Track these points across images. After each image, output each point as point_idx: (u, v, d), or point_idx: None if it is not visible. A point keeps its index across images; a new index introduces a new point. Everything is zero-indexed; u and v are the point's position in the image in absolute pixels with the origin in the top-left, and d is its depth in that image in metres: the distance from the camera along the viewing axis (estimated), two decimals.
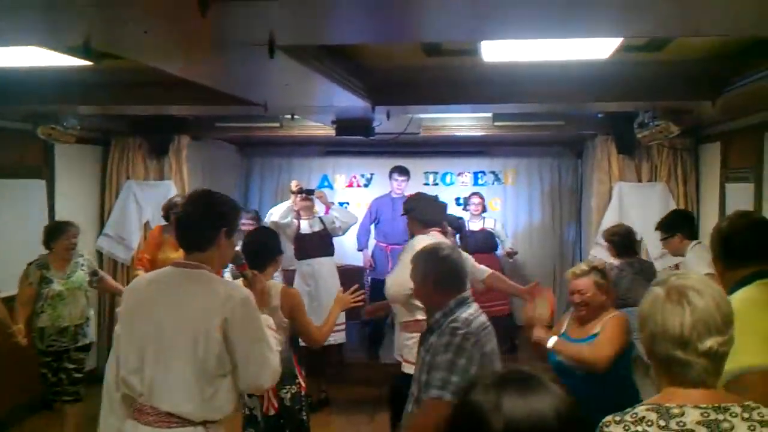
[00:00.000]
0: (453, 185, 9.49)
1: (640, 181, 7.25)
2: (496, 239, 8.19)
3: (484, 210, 8.25)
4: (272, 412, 4.00)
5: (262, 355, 2.79)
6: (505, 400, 1.34)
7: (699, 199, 7.10)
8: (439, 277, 3.06)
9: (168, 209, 6.19)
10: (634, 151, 7.14)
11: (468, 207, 8.30)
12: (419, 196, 5.19)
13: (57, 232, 5.50)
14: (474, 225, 8.11)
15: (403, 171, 8.26)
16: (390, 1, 2.52)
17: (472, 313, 3.00)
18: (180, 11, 2.48)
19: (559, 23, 2.86)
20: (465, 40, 4.01)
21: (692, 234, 5.35)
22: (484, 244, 7.92)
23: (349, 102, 4.94)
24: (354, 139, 6.74)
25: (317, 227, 7.09)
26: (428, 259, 3.14)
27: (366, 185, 9.58)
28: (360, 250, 8.41)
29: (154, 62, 3.56)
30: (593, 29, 3.09)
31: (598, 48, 3.81)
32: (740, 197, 5.89)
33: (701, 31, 3.50)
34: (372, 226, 8.35)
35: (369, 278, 8.34)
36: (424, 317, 3.25)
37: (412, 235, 4.76)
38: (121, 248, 7.50)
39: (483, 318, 3.05)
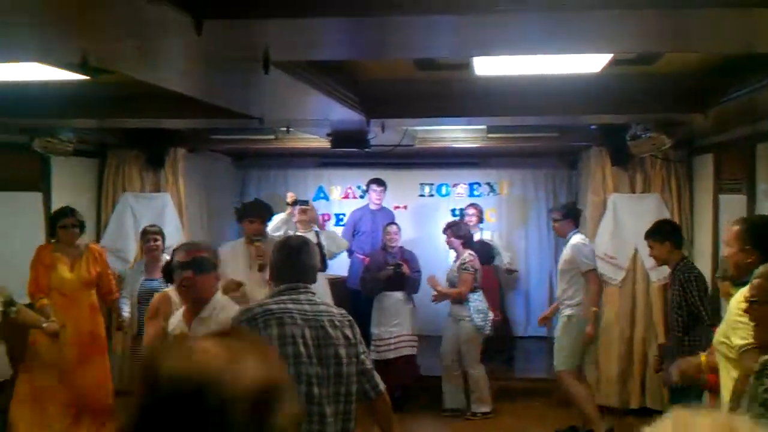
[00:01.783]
0: (448, 196, 9.52)
1: (634, 192, 7.27)
2: (493, 251, 8.20)
3: (480, 221, 8.27)
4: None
5: None
6: None
7: (693, 209, 7.14)
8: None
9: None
10: (628, 162, 7.17)
11: (464, 218, 8.32)
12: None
13: None
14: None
15: (381, 182, 8.36)
16: (380, 21, 2.56)
17: (283, 299, 3.10)
18: (175, 29, 2.52)
19: (548, 40, 2.90)
20: (454, 57, 4.05)
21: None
22: (482, 255, 7.95)
23: (344, 115, 4.98)
24: (350, 150, 6.79)
25: (313, 240, 7.08)
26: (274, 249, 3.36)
27: (362, 196, 9.58)
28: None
29: (150, 78, 3.60)
30: (583, 46, 3.13)
31: (590, 62, 3.86)
32: (733, 208, 5.92)
33: (692, 48, 3.55)
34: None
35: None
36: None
37: None
38: (117, 261, 7.50)
39: (292, 306, 3.08)
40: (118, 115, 5.81)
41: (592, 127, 6.96)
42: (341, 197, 9.73)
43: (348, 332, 3.13)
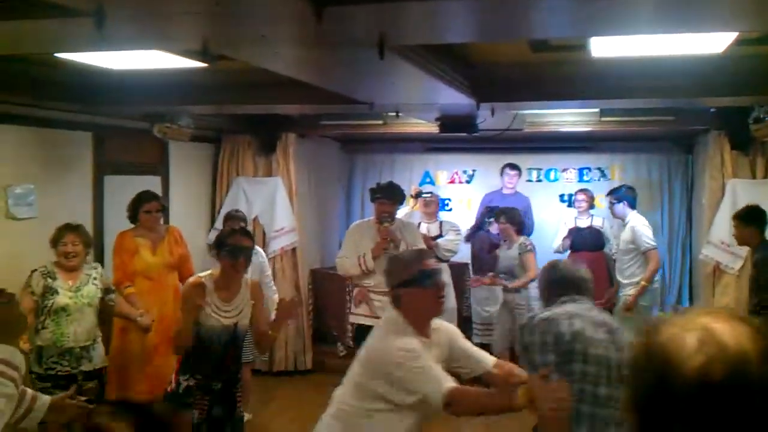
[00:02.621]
0: (557, 181, 9.35)
1: (755, 177, 6.97)
2: (603, 238, 8.01)
3: (591, 207, 8.08)
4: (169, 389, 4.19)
5: None
6: None
7: None
8: None
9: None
10: (749, 147, 6.88)
11: (574, 204, 8.17)
12: None
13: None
14: (581, 222, 7.97)
15: (515, 167, 8.41)
16: (497, 1, 2.54)
17: None
18: (296, 16, 2.57)
19: (673, 18, 2.80)
20: (572, 37, 3.96)
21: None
22: (592, 242, 7.79)
23: (454, 99, 4.96)
24: (456, 135, 6.76)
25: (434, 232, 7.19)
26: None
27: (468, 181, 9.54)
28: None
29: (268, 65, 3.69)
30: (709, 24, 3.01)
31: (712, 42, 3.70)
32: None
33: None
34: None
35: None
36: None
37: None
38: None
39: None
40: (233, 101, 5.96)
41: (711, 110, 6.70)
42: (447, 182, 9.69)
43: None
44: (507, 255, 6.94)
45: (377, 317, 5.49)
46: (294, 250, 7.90)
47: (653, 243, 6.82)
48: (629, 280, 6.80)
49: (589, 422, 2.98)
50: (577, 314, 3.14)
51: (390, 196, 5.78)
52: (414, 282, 3.11)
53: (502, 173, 8.46)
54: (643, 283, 6.69)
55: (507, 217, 7.00)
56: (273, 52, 3.30)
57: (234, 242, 4.13)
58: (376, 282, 5.62)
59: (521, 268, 6.75)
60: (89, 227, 5.54)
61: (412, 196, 7.09)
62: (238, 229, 4.52)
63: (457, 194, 9.48)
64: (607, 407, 2.98)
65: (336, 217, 9.52)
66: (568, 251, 7.74)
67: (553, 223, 8.42)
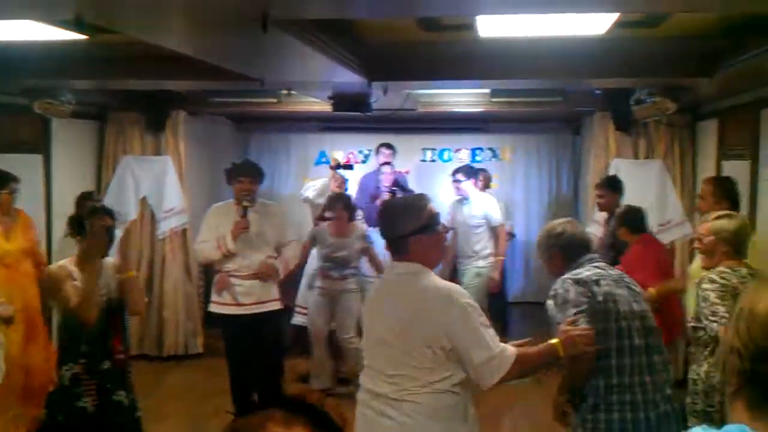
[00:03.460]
0: (450, 161, 9.47)
1: (636, 158, 7.24)
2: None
3: (487, 187, 8.22)
4: (50, 388, 3.90)
5: None
6: None
7: (696, 176, 7.11)
8: None
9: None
10: (632, 128, 7.14)
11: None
12: None
13: None
14: None
15: (390, 146, 8.24)
16: None
17: None
18: None
19: None
20: (459, 15, 3.98)
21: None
22: None
23: (346, 78, 4.93)
24: (352, 115, 6.72)
25: None
26: None
27: (364, 161, 9.55)
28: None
29: (148, 37, 3.55)
30: (588, 4, 3.08)
31: (595, 23, 3.80)
32: (737, 174, 5.87)
33: (697, 7, 3.49)
34: None
35: None
36: None
37: None
38: (117, 223, 7.47)
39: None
40: (118, 77, 5.76)
41: (597, 91, 6.91)
42: (343, 162, 9.65)
43: None
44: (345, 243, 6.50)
45: (241, 304, 5.36)
46: (185, 231, 7.72)
47: (501, 219, 7.30)
48: (480, 253, 7.17)
49: (630, 372, 3.17)
50: (602, 275, 3.30)
51: (248, 173, 5.47)
52: (429, 227, 2.97)
53: (377, 152, 8.33)
54: (500, 257, 7.18)
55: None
56: (150, 23, 3.18)
57: (96, 221, 3.99)
58: (237, 265, 5.38)
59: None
60: None
61: (330, 167, 6.91)
62: (99, 207, 4.35)
63: (354, 174, 9.45)
64: (641, 355, 3.20)
65: (229, 197, 9.33)
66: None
67: (446, 203, 8.52)
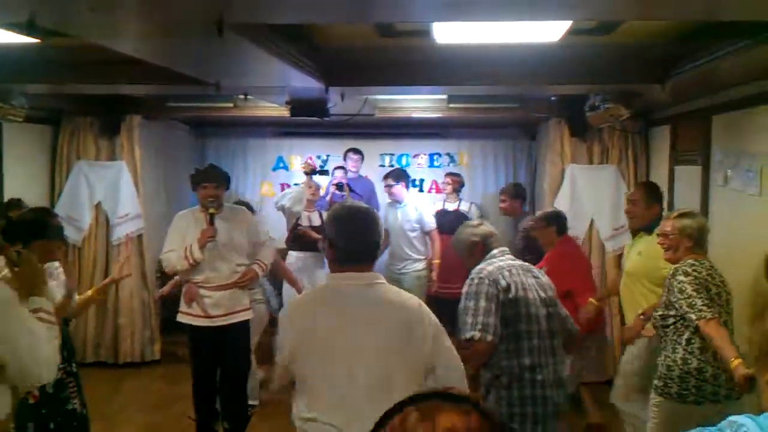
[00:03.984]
0: (408, 167, 9.49)
1: (591, 163, 7.34)
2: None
3: (457, 191, 8.35)
4: (31, 401, 3.65)
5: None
6: None
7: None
8: None
9: None
10: (586, 133, 7.24)
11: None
12: None
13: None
14: (449, 205, 8.27)
15: (358, 151, 8.54)
16: None
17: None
18: None
19: (506, 6, 2.88)
20: (413, 21, 4.01)
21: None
22: (457, 224, 7.97)
23: (303, 83, 4.91)
24: (310, 120, 6.72)
25: (317, 222, 7.03)
26: None
27: (322, 167, 9.52)
28: None
29: (102, 41, 3.51)
30: (540, 12, 3.11)
31: (548, 31, 3.84)
32: (688, 180, 6.01)
33: (650, 15, 3.56)
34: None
35: None
36: None
37: None
38: (72, 229, 7.38)
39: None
40: (71, 81, 5.67)
41: (552, 98, 6.99)
42: (301, 167, 9.63)
43: None
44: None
45: (210, 316, 5.23)
46: (140, 237, 7.63)
47: (435, 224, 7.60)
48: (418, 256, 7.53)
49: (538, 353, 3.60)
50: (512, 265, 3.73)
51: (212, 179, 5.34)
52: None
53: (345, 158, 8.54)
54: (436, 261, 7.48)
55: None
56: (105, 27, 3.14)
57: (58, 223, 3.87)
58: (205, 276, 5.25)
59: None
60: None
61: (305, 173, 6.85)
62: (46, 208, 4.24)
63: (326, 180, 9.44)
64: (545, 339, 3.63)
65: (187, 203, 9.24)
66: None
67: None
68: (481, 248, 3.81)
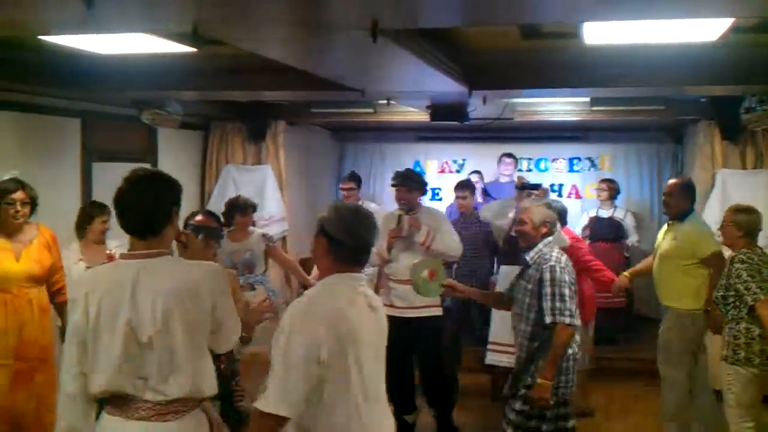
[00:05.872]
0: (547, 171, 9.35)
1: (744, 168, 6.98)
2: (623, 230, 8.01)
3: (613, 197, 8.11)
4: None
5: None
6: None
7: None
8: None
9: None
10: (739, 136, 6.89)
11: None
12: None
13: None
14: (603, 212, 8.08)
15: (512, 155, 8.44)
16: None
17: None
18: None
19: (666, 3, 2.78)
20: (566, 22, 3.93)
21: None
22: (610, 232, 7.87)
23: (446, 87, 4.93)
24: (446, 124, 6.72)
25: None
26: None
27: (458, 171, 9.52)
28: None
29: (260, 49, 3.64)
30: (703, 9, 2.98)
31: (707, 29, 3.68)
32: None
33: None
34: None
35: None
36: None
37: None
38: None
39: None
40: (222, 88, 5.91)
41: (702, 99, 6.69)
42: (438, 171, 9.68)
43: None
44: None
45: (394, 306, 5.36)
46: (284, 238, 7.87)
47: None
48: None
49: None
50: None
51: (403, 183, 5.55)
52: None
53: (499, 162, 8.42)
54: None
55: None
56: (264, 35, 3.26)
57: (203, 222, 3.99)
58: (391, 270, 5.54)
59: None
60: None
61: (516, 188, 6.41)
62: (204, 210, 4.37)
63: (447, 184, 9.43)
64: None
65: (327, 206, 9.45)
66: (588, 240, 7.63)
67: None
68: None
